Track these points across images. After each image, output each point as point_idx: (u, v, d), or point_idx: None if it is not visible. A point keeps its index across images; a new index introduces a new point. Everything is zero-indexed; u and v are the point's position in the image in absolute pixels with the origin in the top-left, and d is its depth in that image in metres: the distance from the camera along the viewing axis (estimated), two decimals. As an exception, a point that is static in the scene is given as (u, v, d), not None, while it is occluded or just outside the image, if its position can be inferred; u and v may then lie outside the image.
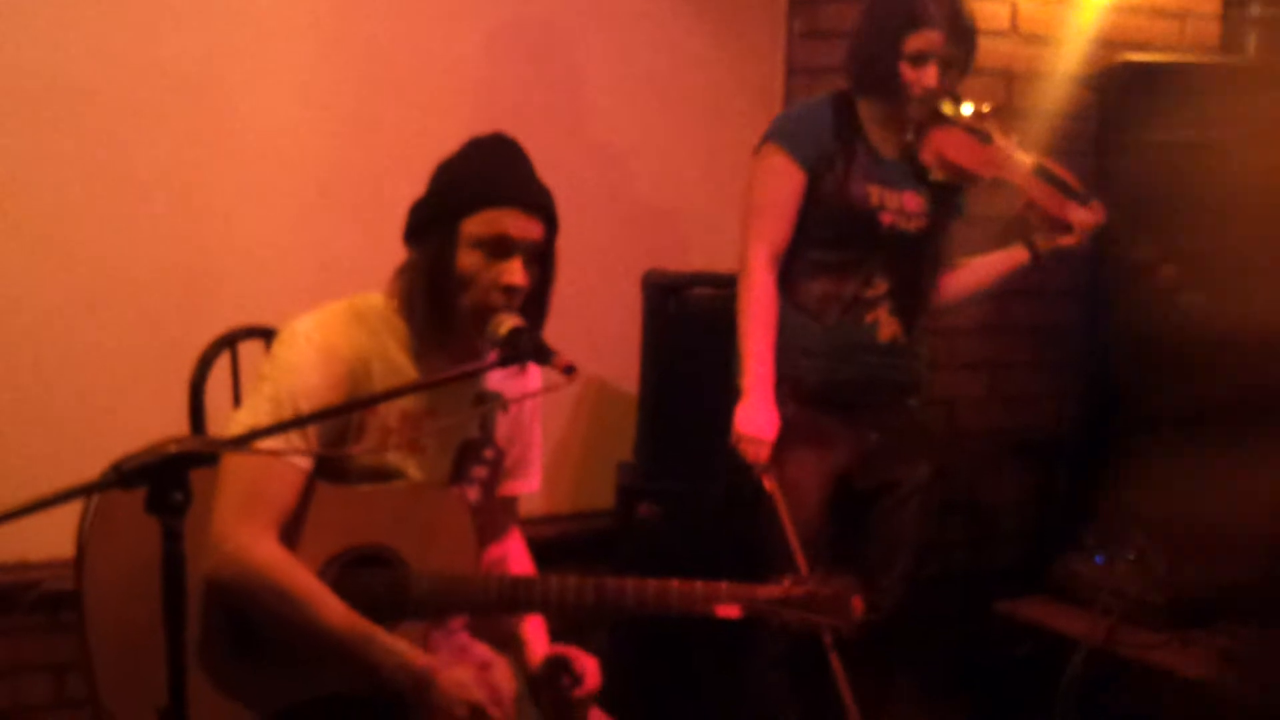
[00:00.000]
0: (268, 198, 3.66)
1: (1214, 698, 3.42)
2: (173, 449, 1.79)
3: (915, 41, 3.22)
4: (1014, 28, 4.12)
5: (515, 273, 2.34)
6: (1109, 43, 4.19)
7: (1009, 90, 4.13)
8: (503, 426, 2.58)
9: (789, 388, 3.34)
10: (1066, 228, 3.35)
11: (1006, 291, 4.03)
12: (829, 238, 3.33)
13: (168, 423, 2.74)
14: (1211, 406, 3.75)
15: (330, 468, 2.37)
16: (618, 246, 4.13)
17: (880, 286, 3.37)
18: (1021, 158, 3.32)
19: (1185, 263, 3.80)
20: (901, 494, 3.50)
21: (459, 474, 2.50)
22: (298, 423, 2.22)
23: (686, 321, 3.79)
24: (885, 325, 3.38)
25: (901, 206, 3.35)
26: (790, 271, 3.36)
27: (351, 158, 3.71)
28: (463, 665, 2.38)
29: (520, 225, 2.35)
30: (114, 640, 2.24)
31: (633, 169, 4.14)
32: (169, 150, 3.53)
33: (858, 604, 2.52)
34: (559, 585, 2.38)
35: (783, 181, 3.32)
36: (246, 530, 2.21)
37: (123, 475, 1.78)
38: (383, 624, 2.29)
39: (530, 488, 2.70)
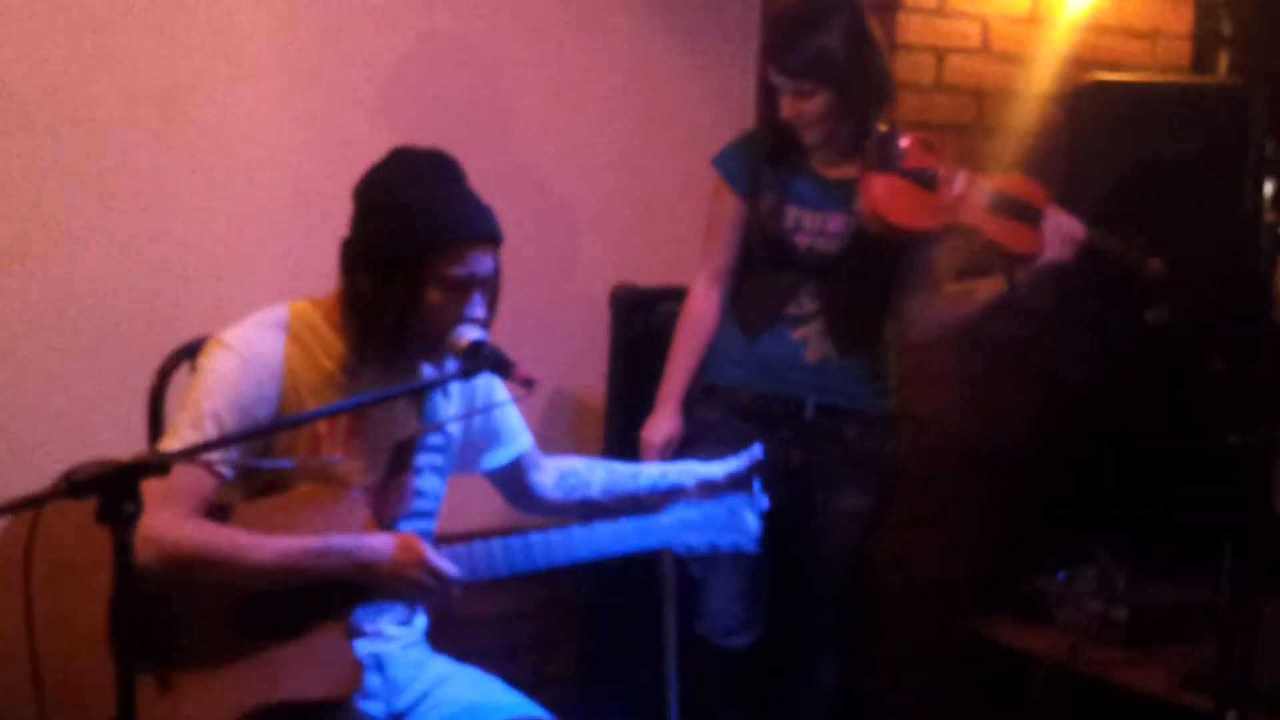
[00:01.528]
0: (234, 207, 3.65)
1: (1175, 715, 3.43)
2: (125, 459, 1.81)
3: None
4: (985, 46, 4.13)
5: (479, 306, 2.42)
6: (1080, 62, 4.20)
7: (979, 108, 4.14)
8: (449, 410, 2.61)
9: (719, 394, 3.44)
10: (1031, 260, 3.22)
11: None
12: (763, 259, 3.41)
13: (126, 433, 2.77)
14: (1178, 421, 3.77)
15: (266, 479, 2.40)
16: (586, 260, 4.13)
17: (809, 306, 3.38)
18: (978, 191, 3.24)
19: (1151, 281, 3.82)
20: (822, 521, 3.47)
21: (398, 467, 2.53)
22: (218, 443, 2.26)
23: (654, 336, 3.78)
24: (814, 345, 3.39)
25: (822, 228, 3.35)
26: (738, 291, 3.47)
27: (319, 168, 3.70)
28: (405, 538, 2.40)
29: (485, 262, 2.41)
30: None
31: (602, 183, 4.14)
32: (135, 158, 3.51)
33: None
34: (497, 546, 2.45)
35: (720, 205, 3.45)
36: (161, 518, 2.20)
37: (74, 485, 1.79)
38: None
39: (522, 447, 2.75)
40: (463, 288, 2.38)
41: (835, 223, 3.35)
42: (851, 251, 3.34)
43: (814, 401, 3.40)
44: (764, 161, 3.39)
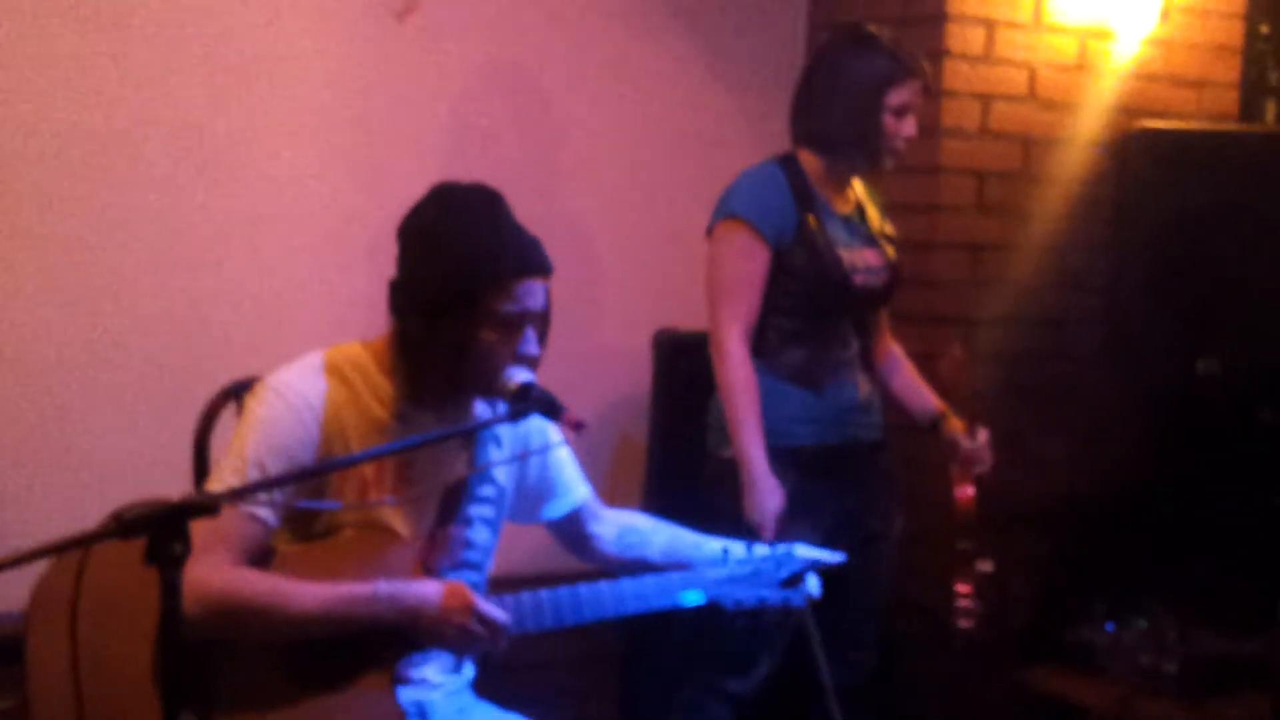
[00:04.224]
0: (276, 246, 3.68)
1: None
2: (174, 499, 1.79)
3: (900, 94, 3.26)
4: (1032, 93, 4.10)
5: (534, 343, 2.38)
6: (1128, 110, 4.17)
7: (1026, 156, 4.11)
8: (500, 458, 2.56)
9: (788, 458, 3.27)
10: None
11: (1024, 354, 4.02)
12: (802, 306, 3.31)
13: (172, 473, 2.75)
14: (1229, 473, 3.72)
15: (311, 525, 2.37)
16: (629, 305, 4.12)
17: (855, 346, 3.38)
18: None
19: (1200, 329, 3.78)
20: (878, 550, 3.45)
21: (447, 516, 2.49)
22: (265, 485, 2.23)
23: (697, 380, 3.74)
24: (863, 384, 3.40)
25: (868, 265, 3.35)
26: (763, 343, 3.32)
27: (359, 205, 3.72)
28: (454, 585, 2.37)
29: (537, 296, 2.36)
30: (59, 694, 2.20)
31: (645, 226, 4.14)
32: (178, 199, 3.55)
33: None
34: (545, 598, 2.39)
35: (751, 259, 3.27)
36: (201, 566, 2.09)
37: (123, 525, 1.78)
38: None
39: (580, 498, 2.68)
40: (516, 324, 2.34)
41: (873, 257, 3.36)
42: (890, 284, 3.41)
43: (866, 440, 3.40)
44: (795, 207, 3.29)
